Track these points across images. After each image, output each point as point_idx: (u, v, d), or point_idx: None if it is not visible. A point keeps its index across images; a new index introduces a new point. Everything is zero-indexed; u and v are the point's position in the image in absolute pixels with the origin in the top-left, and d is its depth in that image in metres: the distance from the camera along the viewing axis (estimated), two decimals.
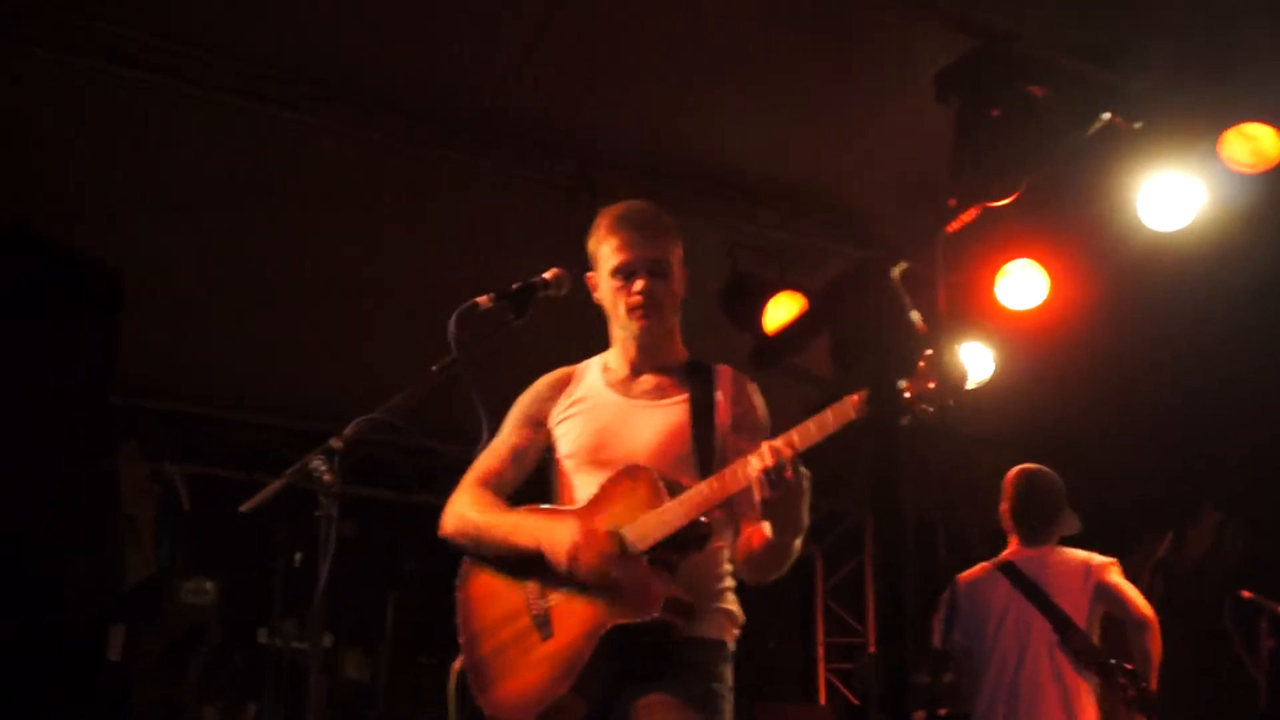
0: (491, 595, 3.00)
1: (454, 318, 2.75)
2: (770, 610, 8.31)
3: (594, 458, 3.01)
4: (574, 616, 2.84)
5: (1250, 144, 4.86)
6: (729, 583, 3.02)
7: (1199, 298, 5.88)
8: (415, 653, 7.09)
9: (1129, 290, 5.97)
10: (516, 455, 3.14)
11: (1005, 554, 4.89)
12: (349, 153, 5.61)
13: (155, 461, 6.81)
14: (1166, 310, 6.08)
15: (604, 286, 3.09)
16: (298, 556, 6.01)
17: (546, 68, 5.32)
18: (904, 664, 5.68)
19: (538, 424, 3.15)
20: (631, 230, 3.05)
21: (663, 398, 3.05)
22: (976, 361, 5.88)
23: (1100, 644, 4.66)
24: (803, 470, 2.69)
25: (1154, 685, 4.43)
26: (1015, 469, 4.96)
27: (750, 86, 5.45)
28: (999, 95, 4.99)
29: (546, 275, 2.92)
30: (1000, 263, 5.79)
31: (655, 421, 3.01)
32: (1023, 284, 5.78)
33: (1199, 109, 4.92)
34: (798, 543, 2.84)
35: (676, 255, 3.09)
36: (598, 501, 2.93)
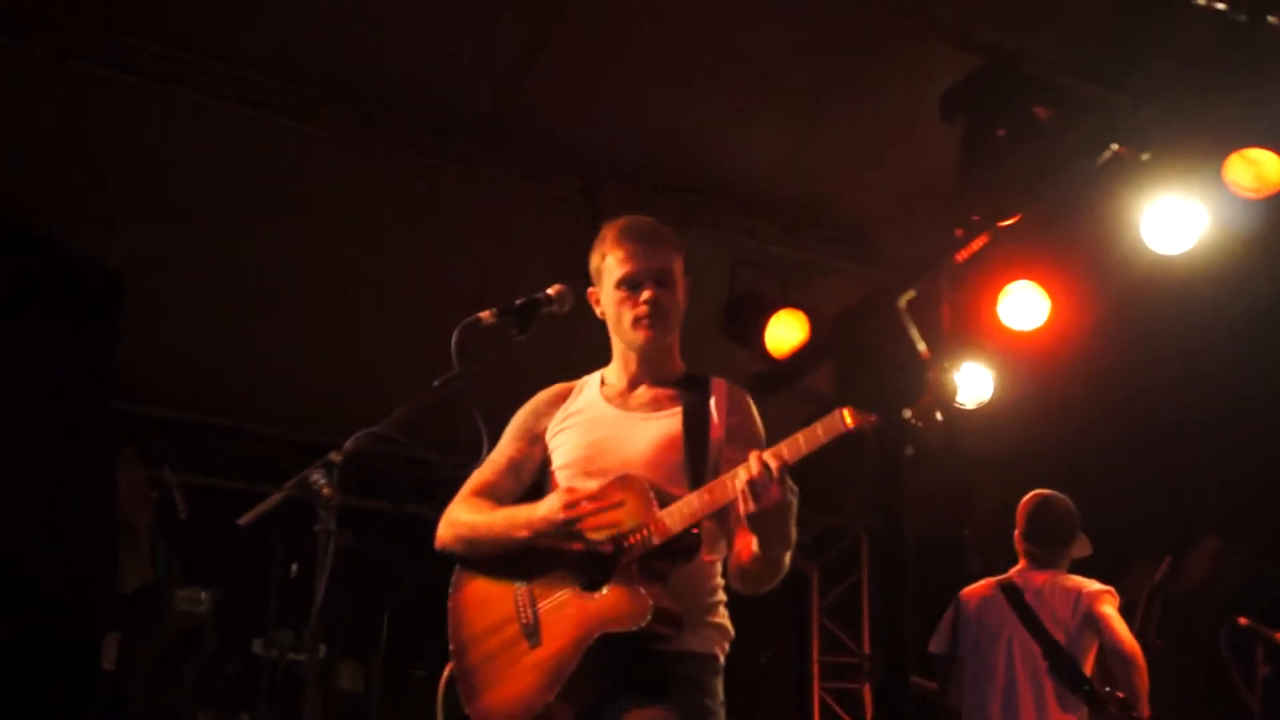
0: (482, 603, 2.99)
1: (456, 333, 2.71)
2: (764, 627, 8.26)
3: (587, 467, 3.00)
4: (562, 625, 2.82)
5: (1254, 169, 4.86)
6: (721, 596, 3.01)
7: (1201, 321, 5.88)
8: (409, 664, 7.06)
9: (1130, 313, 5.97)
10: (513, 467, 3.13)
11: (1011, 572, 4.89)
12: (350, 158, 5.62)
13: (154, 468, 6.79)
14: (1168, 333, 6.08)
15: (608, 299, 3.09)
16: (294, 568, 6.00)
17: (548, 80, 5.33)
18: (903, 683, 5.68)
19: (534, 438, 3.15)
20: (637, 242, 3.06)
21: (658, 409, 3.05)
22: (977, 382, 5.86)
23: (1094, 671, 4.65)
24: (791, 485, 2.66)
25: (1145, 714, 4.42)
26: (1029, 495, 4.96)
27: (755, 101, 5.46)
28: (1004, 115, 5.01)
29: (550, 291, 2.89)
30: (1002, 283, 5.78)
31: (649, 432, 3.00)
32: (1024, 305, 5.76)
33: (1203, 133, 4.93)
34: (787, 557, 2.81)
35: (679, 266, 3.10)
36: None
